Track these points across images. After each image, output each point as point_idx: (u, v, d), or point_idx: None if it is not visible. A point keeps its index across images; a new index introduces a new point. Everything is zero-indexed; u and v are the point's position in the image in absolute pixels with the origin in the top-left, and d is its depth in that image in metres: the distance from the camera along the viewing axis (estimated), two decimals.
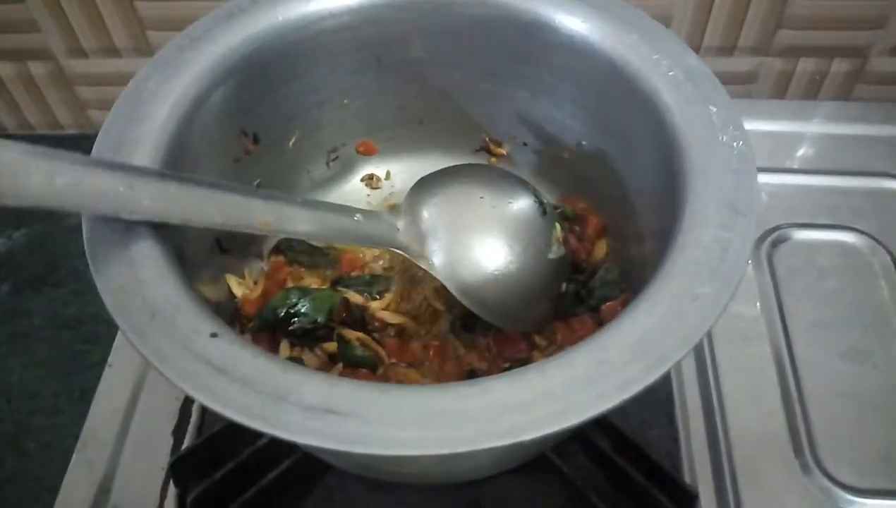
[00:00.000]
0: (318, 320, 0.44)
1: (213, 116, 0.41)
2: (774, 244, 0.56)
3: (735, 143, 0.36)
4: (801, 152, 0.63)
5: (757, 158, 0.59)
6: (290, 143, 0.48)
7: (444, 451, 0.26)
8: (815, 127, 0.65)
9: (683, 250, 0.32)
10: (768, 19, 0.66)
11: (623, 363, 0.29)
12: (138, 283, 0.31)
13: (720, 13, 0.65)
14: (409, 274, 0.49)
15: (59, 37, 0.69)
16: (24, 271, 0.67)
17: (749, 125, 0.62)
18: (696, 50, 0.68)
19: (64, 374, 0.60)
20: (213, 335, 0.30)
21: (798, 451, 0.47)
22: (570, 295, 0.46)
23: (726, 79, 0.69)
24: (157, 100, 0.37)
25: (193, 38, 0.40)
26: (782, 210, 0.58)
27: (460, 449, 0.26)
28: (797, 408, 0.48)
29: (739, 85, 0.72)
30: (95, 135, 0.78)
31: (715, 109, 0.38)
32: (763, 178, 0.61)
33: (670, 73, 0.39)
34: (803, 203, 0.59)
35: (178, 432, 0.48)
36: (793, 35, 0.67)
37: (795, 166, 0.62)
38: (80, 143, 0.76)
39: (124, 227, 0.33)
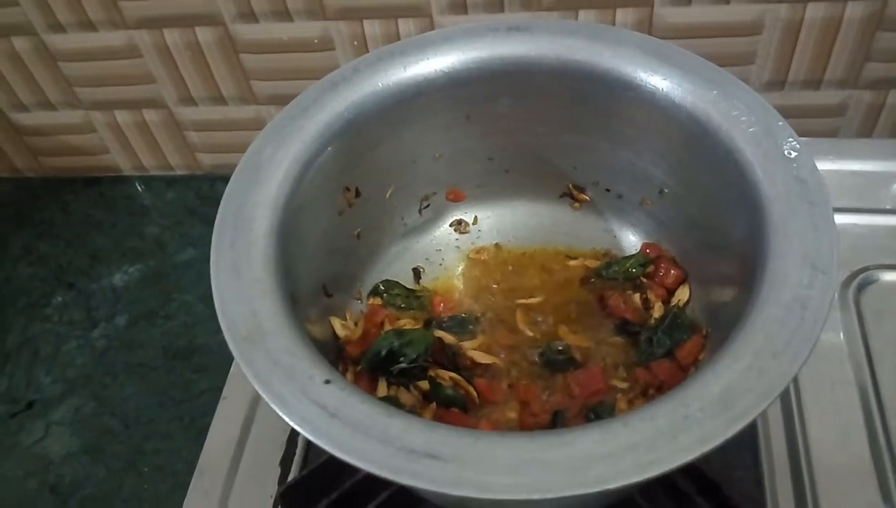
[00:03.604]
0: (415, 358, 0.46)
1: (322, 176, 0.44)
2: (861, 286, 0.56)
3: (816, 200, 0.37)
4: (890, 191, 0.63)
5: (844, 199, 0.60)
6: (388, 194, 0.51)
7: (535, 497, 0.29)
8: None
9: (764, 307, 0.34)
10: (855, 52, 0.65)
11: (704, 417, 0.31)
12: (262, 335, 0.35)
13: (805, 47, 0.65)
14: (498, 316, 0.52)
15: (172, 87, 0.74)
16: (140, 304, 0.72)
17: (836, 165, 0.64)
18: (782, 84, 0.69)
19: (176, 402, 0.64)
20: (327, 381, 0.33)
21: (886, 497, 0.46)
22: (643, 343, 0.48)
23: (814, 112, 0.71)
24: (274, 165, 0.42)
25: (303, 107, 0.44)
26: (870, 251, 0.58)
27: (549, 496, 0.29)
28: (885, 453, 0.48)
29: (828, 118, 0.71)
30: (203, 176, 0.84)
31: (796, 166, 0.39)
32: (850, 219, 0.61)
33: (750, 130, 0.40)
34: (891, 244, 0.58)
35: (286, 462, 0.51)
36: (882, 67, 0.66)
37: (885, 206, 0.61)
38: (190, 183, 0.84)
39: (248, 283, 0.37)
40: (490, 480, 0.30)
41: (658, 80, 0.44)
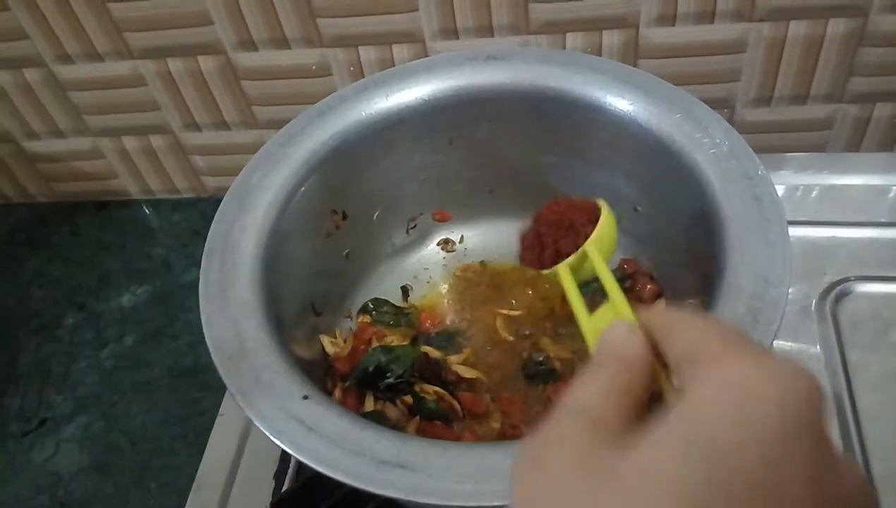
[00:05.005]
0: (402, 374, 0.48)
1: (308, 201, 0.47)
2: (838, 297, 0.57)
3: (771, 217, 0.39)
4: (871, 205, 0.64)
5: (829, 212, 0.61)
6: (375, 216, 0.54)
7: (496, 503, 0.31)
8: (888, 180, 0.65)
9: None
10: (839, 68, 0.66)
11: None
12: (245, 354, 0.37)
13: (790, 64, 0.66)
14: (483, 331, 0.54)
15: (177, 114, 0.76)
16: (147, 324, 0.74)
17: (823, 179, 0.65)
18: (769, 99, 0.70)
19: (181, 419, 0.66)
20: (305, 397, 0.36)
21: None
22: None
23: (801, 127, 0.72)
24: (261, 192, 0.44)
25: (291, 135, 0.47)
26: (848, 263, 0.59)
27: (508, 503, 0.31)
28: (859, 460, 0.49)
29: (815, 131, 0.72)
30: (208, 198, 0.86)
31: (754, 184, 0.41)
32: (833, 232, 0.62)
33: (711, 151, 0.42)
34: (869, 256, 0.59)
35: (279, 476, 0.52)
36: (866, 81, 0.67)
37: (867, 219, 0.63)
38: (197, 205, 0.85)
39: (234, 305, 0.40)
40: (454, 488, 0.31)
41: (625, 105, 0.46)
